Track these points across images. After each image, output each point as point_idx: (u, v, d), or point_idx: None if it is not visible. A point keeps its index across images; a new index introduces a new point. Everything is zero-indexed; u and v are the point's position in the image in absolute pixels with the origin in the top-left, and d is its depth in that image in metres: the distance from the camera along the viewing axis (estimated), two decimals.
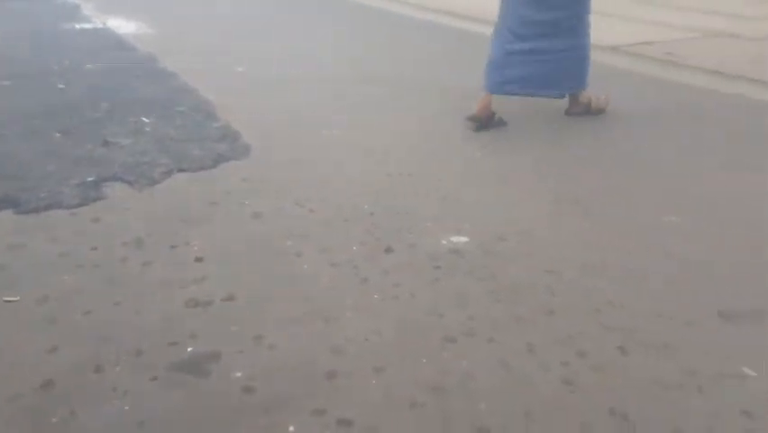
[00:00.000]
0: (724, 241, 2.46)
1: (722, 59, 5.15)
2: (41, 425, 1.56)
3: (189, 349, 1.82)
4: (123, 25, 6.75)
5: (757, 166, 3.16)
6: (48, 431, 1.55)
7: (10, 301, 2.03)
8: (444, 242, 2.41)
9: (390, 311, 2.01)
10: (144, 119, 3.74)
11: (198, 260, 2.28)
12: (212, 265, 2.25)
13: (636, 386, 1.70)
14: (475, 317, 1.97)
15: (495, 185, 2.94)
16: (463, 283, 2.16)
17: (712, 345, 1.86)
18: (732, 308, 2.03)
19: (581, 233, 2.53)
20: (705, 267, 2.28)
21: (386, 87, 4.56)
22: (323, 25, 7.20)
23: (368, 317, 1.97)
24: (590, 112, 3.90)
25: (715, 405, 1.63)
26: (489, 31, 3.83)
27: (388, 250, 2.36)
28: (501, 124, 3.70)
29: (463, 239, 2.43)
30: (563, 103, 3.92)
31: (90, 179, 2.91)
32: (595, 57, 3.96)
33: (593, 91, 3.89)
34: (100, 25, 6.79)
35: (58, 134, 3.48)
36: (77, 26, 6.71)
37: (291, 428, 1.55)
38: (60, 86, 4.41)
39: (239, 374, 1.73)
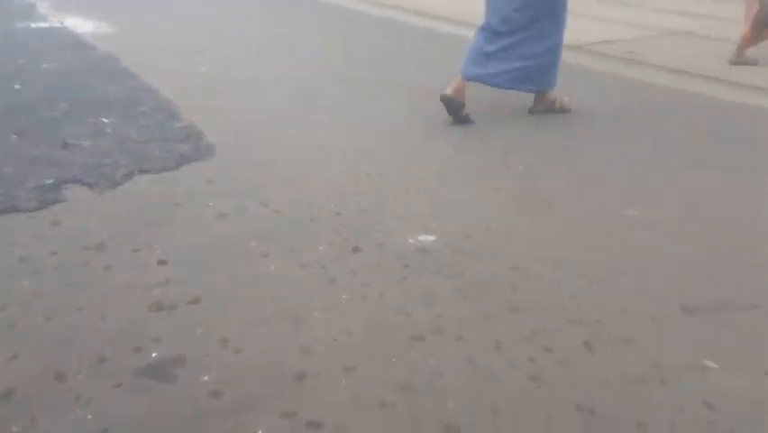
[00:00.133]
0: (686, 236, 2.51)
1: (683, 57, 5.26)
2: None
3: (154, 354, 1.79)
4: (81, 24, 6.60)
5: (719, 164, 3.23)
6: None
7: None
8: (412, 241, 2.42)
9: (359, 311, 2.00)
10: (104, 120, 3.66)
11: (162, 263, 2.24)
12: (176, 268, 2.21)
13: (602, 381, 1.73)
14: (443, 315, 1.98)
15: (461, 183, 2.96)
16: (431, 282, 2.17)
17: (675, 339, 1.90)
18: (694, 302, 2.07)
19: (546, 229, 2.56)
20: (668, 262, 2.32)
21: (349, 85, 4.55)
22: (282, 24, 7.16)
23: (336, 317, 1.97)
24: (554, 110, 3.95)
25: (678, 398, 1.67)
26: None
27: (356, 250, 2.35)
28: (468, 122, 3.73)
29: (430, 238, 2.44)
30: (528, 101, 3.96)
31: (49, 181, 2.83)
32: None
33: (558, 90, 3.94)
34: (57, 24, 6.63)
35: (14, 136, 3.38)
36: (33, 25, 6.54)
37: (260, 431, 1.53)
38: (16, 86, 4.29)
39: (206, 378, 1.70)
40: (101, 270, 2.19)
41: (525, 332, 1.91)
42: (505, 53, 3.66)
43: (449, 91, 3.71)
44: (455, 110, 3.72)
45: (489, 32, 3.69)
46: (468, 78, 3.71)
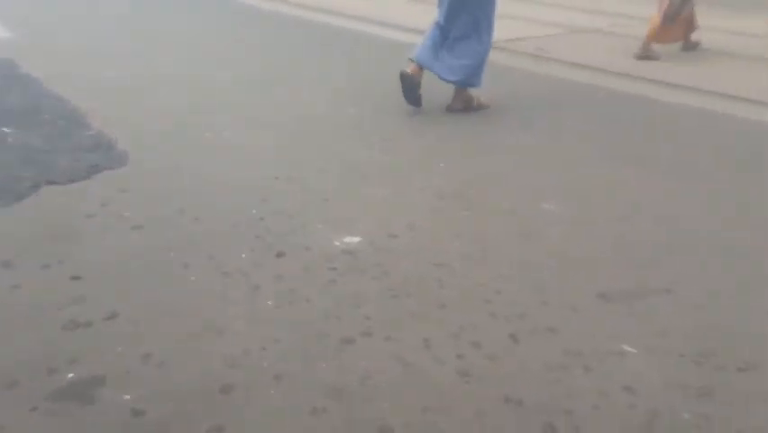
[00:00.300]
0: (600, 226, 2.61)
1: (590, 54, 5.48)
2: None
3: (70, 375, 1.70)
4: None
5: (628, 156, 3.37)
6: None
7: None
8: (337, 243, 2.40)
9: (286, 317, 1.97)
10: (5, 129, 3.45)
11: (75, 278, 2.13)
12: (90, 283, 2.11)
13: (528, 372, 1.77)
14: (371, 316, 1.97)
15: (383, 182, 2.96)
16: (358, 283, 2.16)
17: (595, 327, 1.97)
18: (610, 290, 2.15)
19: (467, 224, 2.61)
20: (583, 252, 2.41)
21: (266, 87, 4.48)
22: (185, 22, 6.97)
23: (262, 325, 1.93)
24: (473, 108, 4.03)
25: (600, 383, 1.73)
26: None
27: (280, 255, 2.31)
28: (418, 105, 3.90)
29: (356, 239, 2.43)
30: (447, 99, 4.02)
31: None
32: None
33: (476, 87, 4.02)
34: None
35: None
36: None
37: None
38: None
39: (127, 397, 1.63)
40: (8, 289, 2.06)
41: (453, 328, 1.93)
42: (450, 49, 3.86)
43: (408, 69, 3.85)
44: (411, 88, 3.87)
45: (440, 27, 3.89)
46: (418, 61, 3.87)
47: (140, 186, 2.84)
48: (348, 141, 3.50)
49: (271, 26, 6.76)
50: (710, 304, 2.09)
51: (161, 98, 4.14)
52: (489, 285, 2.16)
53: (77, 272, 2.16)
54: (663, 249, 2.44)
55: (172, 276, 2.17)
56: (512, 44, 5.80)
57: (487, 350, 1.84)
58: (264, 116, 3.87)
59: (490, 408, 1.64)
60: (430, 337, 1.88)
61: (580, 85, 4.76)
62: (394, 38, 5.96)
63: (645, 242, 2.48)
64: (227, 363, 1.76)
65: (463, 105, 4.02)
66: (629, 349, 1.86)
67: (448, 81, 3.92)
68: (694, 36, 5.61)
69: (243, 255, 2.30)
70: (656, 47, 5.36)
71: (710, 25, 5.88)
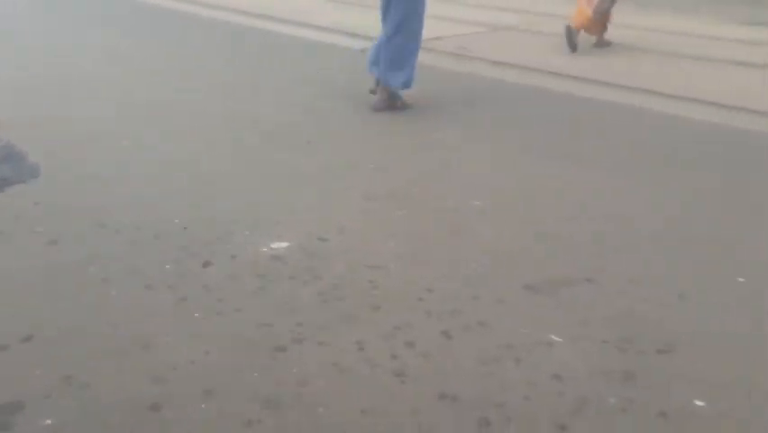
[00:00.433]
0: (524, 221, 2.67)
1: (508, 51, 5.59)
2: None
3: None
4: None
5: (549, 151, 3.46)
6: None
7: None
8: (265, 249, 2.36)
9: (215, 329, 1.92)
10: None
11: None
12: (4, 304, 2.00)
13: (462, 367, 1.79)
14: (303, 322, 1.95)
15: (309, 186, 2.94)
16: (289, 289, 2.13)
17: (523, 318, 2.01)
18: (536, 281, 2.21)
19: (396, 224, 2.62)
20: (509, 246, 2.46)
21: (184, 93, 4.36)
22: (95, 24, 6.70)
23: (191, 338, 1.87)
24: (396, 107, 4.05)
25: (530, 374, 1.77)
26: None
27: (207, 264, 2.25)
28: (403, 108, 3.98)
29: (284, 244, 2.40)
30: (371, 98, 4.03)
31: None
32: None
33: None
34: None
35: None
36: None
37: None
38: None
39: (48, 422, 1.55)
40: None
41: (387, 329, 1.93)
42: (385, 48, 3.96)
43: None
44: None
45: (382, 27, 4.03)
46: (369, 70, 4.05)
47: (55, 198, 2.71)
48: (273, 144, 3.45)
49: (207, 32, 6.55)
50: (631, 291, 2.17)
51: (73, 105, 3.97)
52: (421, 284, 2.18)
53: None
54: (582, 239, 2.52)
55: (92, 292, 2.08)
56: (432, 43, 5.84)
57: (421, 349, 1.85)
58: (183, 123, 3.77)
59: (426, 406, 1.65)
60: (364, 340, 1.88)
61: (497, 81, 4.85)
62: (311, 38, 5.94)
63: (564, 234, 2.56)
64: (155, 379, 1.70)
65: (387, 103, 4.03)
66: (556, 338, 1.91)
67: (388, 83, 4.00)
68: (606, 34, 5.82)
69: (168, 267, 2.23)
70: (579, 39, 5.52)
71: (624, 22, 6.11)
